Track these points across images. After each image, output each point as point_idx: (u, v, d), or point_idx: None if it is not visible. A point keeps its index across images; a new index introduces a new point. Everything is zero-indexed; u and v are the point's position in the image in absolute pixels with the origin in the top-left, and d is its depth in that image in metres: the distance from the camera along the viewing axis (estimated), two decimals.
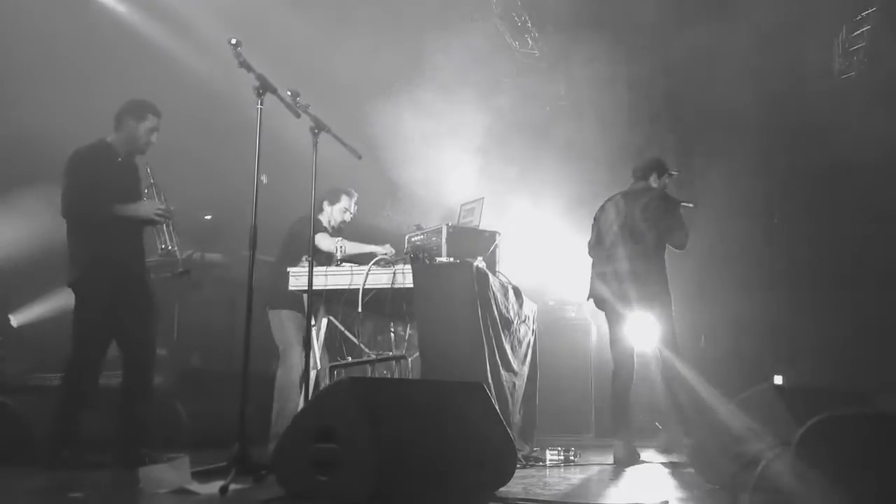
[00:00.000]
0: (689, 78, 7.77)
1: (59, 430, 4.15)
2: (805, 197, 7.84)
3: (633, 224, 5.12)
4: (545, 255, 7.29)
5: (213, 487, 3.08)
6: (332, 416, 2.85)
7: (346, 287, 4.74)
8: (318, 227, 5.18)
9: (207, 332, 7.16)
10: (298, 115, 3.94)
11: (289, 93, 3.88)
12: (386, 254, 4.88)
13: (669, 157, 5.84)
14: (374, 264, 4.72)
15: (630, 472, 4.43)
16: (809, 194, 7.80)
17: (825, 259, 7.58)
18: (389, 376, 5.37)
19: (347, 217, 5.52)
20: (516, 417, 4.83)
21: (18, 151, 6.56)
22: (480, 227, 5.14)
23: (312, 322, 4.42)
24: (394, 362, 5.18)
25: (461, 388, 3.47)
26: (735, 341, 7.46)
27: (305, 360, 4.17)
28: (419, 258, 4.64)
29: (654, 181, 5.33)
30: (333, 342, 5.19)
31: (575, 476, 4.08)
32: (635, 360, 5.15)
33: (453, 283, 4.50)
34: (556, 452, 4.70)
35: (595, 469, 4.52)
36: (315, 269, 4.19)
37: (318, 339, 4.99)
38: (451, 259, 4.68)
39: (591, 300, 5.36)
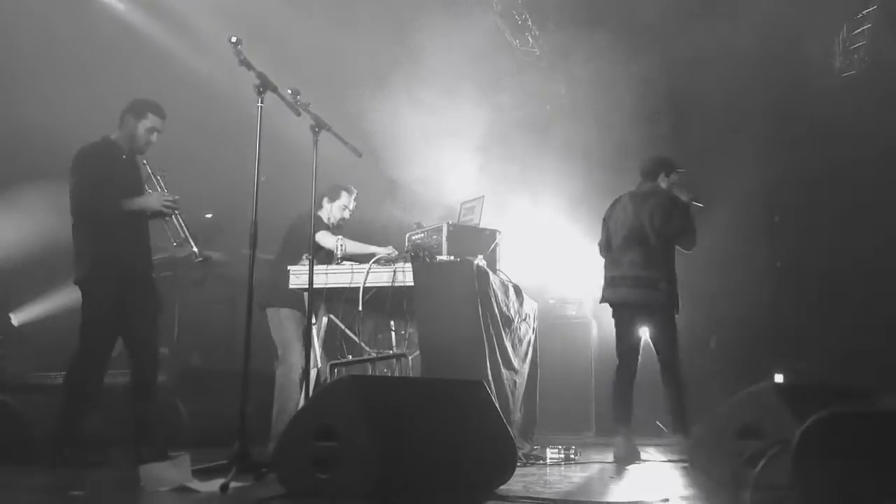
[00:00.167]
0: (689, 77, 7.76)
1: (61, 429, 4.16)
2: (806, 195, 7.83)
3: (642, 228, 5.07)
4: (545, 254, 7.30)
5: (214, 485, 3.08)
6: (333, 415, 2.86)
7: (347, 285, 4.74)
8: (319, 224, 5.17)
9: (208, 330, 7.17)
10: (299, 114, 3.93)
11: (289, 91, 3.88)
12: (388, 255, 4.88)
13: (670, 157, 5.83)
14: (374, 262, 4.72)
15: (630, 470, 4.43)
16: (810, 193, 7.80)
17: (825, 257, 7.58)
18: (390, 374, 5.37)
19: (347, 214, 5.52)
20: (517, 415, 4.83)
21: (19, 149, 6.57)
22: (481, 226, 5.14)
23: (313, 320, 4.42)
24: (394, 360, 5.17)
25: (462, 386, 3.47)
26: (735, 340, 7.46)
27: (306, 358, 4.17)
28: (420, 256, 4.64)
29: (662, 181, 5.27)
30: (334, 340, 5.19)
31: (575, 474, 4.08)
32: (639, 360, 5.15)
33: (454, 282, 4.50)
34: (556, 450, 4.70)
35: (596, 467, 4.51)
36: (315, 267, 4.19)
37: (318, 338, 4.99)
38: (452, 257, 4.68)
39: (605, 303, 5.33)
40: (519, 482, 3.50)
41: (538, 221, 7.27)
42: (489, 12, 8.03)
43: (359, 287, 4.66)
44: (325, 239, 5.14)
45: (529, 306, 5.38)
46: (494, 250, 5.03)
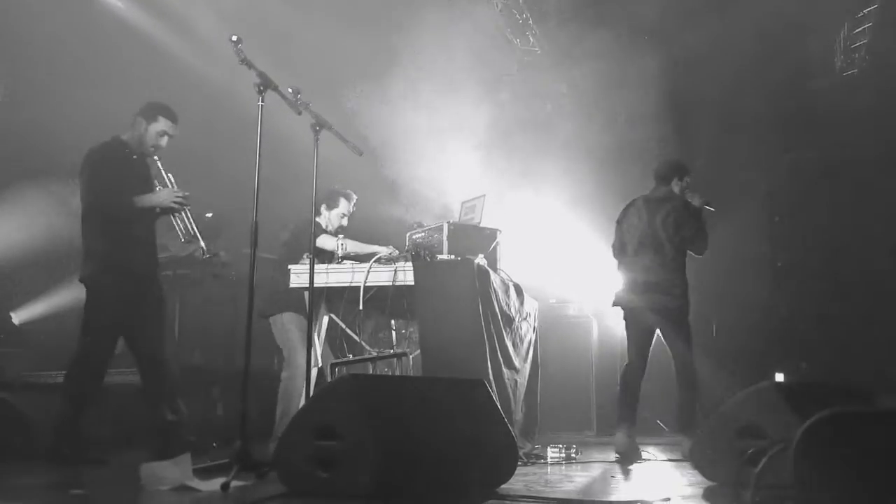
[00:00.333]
0: (690, 76, 7.76)
1: (61, 427, 4.16)
2: (807, 194, 7.83)
3: (656, 234, 5.10)
4: (546, 253, 7.29)
5: (215, 484, 3.08)
6: (334, 414, 2.86)
7: (348, 285, 4.73)
8: (319, 232, 5.16)
9: (209, 330, 7.16)
10: (300, 112, 3.93)
11: (290, 90, 3.88)
12: (388, 254, 4.87)
13: (670, 156, 5.83)
14: (375, 262, 4.72)
15: (632, 469, 4.42)
16: (811, 192, 7.79)
17: (826, 257, 7.57)
18: (390, 374, 5.37)
19: (345, 222, 5.50)
20: (518, 415, 4.83)
21: (20, 149, 6.57)
22: (481, 225, 5.13)
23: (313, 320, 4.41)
24: (395, 360, 5.17)
25: (462, 386, 3.47)
26: (736, 339, 7.46)
27: (307, 359, 4.17)
28: (420, 255, 4.64)
29: (675, 185, 5.27)
30: (334, 340, 5.18)
31: (576, 473, 4.08)
32: (648, 360, 5.16)
33: (454, 281, 4.50)
34: (557, 450, 4.70)
35: (596, 466, 4.51)
36: (316, 266, 4.19)
37: (319, 337, 4.98)
38: (453, 256, 4.68)
39: (617, 306, 5.34)
40: (520, 481, 3.50)
41: (539, 221, 7.26)
42: (490, 11, 8.03)
43: (359, 286, 4.66)
44: (326, 242, 5.13)
45: (530, 305, 5.38)
46: (495, 249, 5.03)
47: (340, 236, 5.10)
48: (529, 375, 5.18)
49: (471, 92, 6.93)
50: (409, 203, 6.92)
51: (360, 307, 4.65)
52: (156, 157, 4.51)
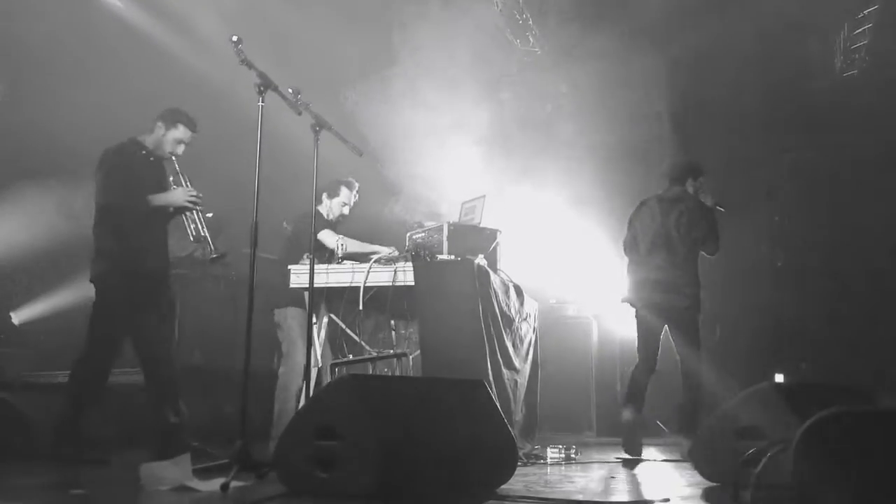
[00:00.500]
0: (691, 76, 7.76)
1: (61, 427, 4.15)
2: (807, 194, 7.83)
3: (668, 233, 5.13)
4: (546, 253, 7.29)
5: (215, 485, 3.08)
6: (333, 414, 2.86)
7: (348, 285, 4.74)
8: (320, 221, 5.17)
9: (209, 329, 7.16)
10: (300, 113, 3.93)
11: (290, 90, 3.88)
12: (388, 254, 4.88)
13: (683, 157, 5.83)
14: (375, 262, 4.72)
15: (631, 469, 4.43)
16: (811, 192, 7.79)
17: (826, 257, 7.57)
18: (390, 374, 5.37)
19: (346, 210, 5.51)
20: (518, 415, 4.83)
21: (20, 149, 6.56)
22: (481, 225, 5.13)
23: (314, 319, 4.42)
24: (395, 360, 5.17)
25: (462, 386, 3.47)
26: (736, 339, 7.46)
27: (307, 357, 4.17)
28: (420, 256, 4.64)
29: (689, 186, 5.29)
30: (334, 340, 5.19)
31: (576, 474, 4.08)
32: (658, 361, 5.17)
33: (454, 281, 4.50)
34: (557, 450, 4.70)
35: (596, 467, 4.52)
36: (316, 266, 4.19)
37: (319, 337, 4.99)
38: (453, 257, 4.68)
39: (627, 303, 5.34)
40: (520, 482, 3.50)
41: (539, 221, 7.26)
42: (490, 11, 8.02)
43: (359, 286, 4.66)
44: (327, 238, 5.14)
45: (530, 306, 5.38)
46: (495, 250, 5.03)
47: (340, 237, 5.10)
48: (529, 376, 5.18)
49: (471, 92, 6.93)
50: (409, 203, 6.91)
51: (360, 307, 4.65)
52: (172, 157, 4.53)
